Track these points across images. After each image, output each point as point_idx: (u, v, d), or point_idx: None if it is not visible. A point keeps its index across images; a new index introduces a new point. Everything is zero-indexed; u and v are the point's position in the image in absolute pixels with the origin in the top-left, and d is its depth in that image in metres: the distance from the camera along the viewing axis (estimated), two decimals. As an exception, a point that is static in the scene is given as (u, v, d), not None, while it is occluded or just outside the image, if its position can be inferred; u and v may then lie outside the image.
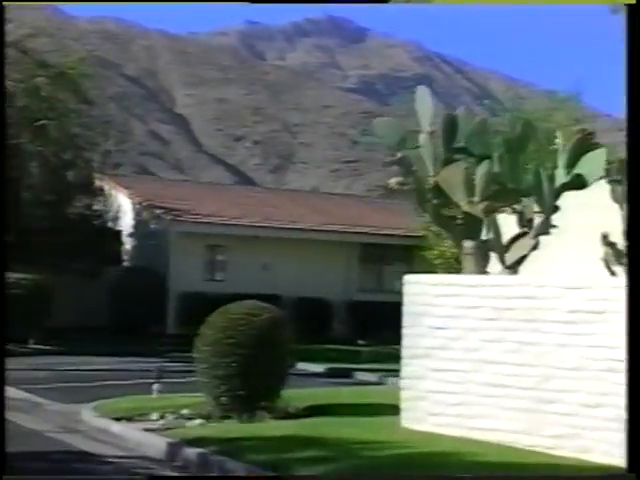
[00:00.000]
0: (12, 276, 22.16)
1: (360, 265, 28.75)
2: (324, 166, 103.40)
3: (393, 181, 10.53)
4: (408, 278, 10.64)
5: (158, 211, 26.44)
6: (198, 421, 10.93)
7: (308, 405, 11.90)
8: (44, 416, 12.30)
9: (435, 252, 25.18)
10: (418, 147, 10.60)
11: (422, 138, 10.59)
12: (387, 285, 29.27)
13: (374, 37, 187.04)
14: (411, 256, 29.00)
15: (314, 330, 27.08)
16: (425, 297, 10.24)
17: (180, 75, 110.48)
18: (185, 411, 11.57)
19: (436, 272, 25.56)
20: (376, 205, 35.23)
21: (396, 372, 19.20)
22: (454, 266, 24.99)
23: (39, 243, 23.49)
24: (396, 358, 22.12)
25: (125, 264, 27.15)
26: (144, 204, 27.22)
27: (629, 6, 7.21)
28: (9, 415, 12.52)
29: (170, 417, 11.15)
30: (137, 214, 27.48)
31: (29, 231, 21.83)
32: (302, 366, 19.25)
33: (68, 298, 23.97)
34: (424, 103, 10.76)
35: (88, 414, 11.80)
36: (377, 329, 28.02)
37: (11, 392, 14.48)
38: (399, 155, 10.64)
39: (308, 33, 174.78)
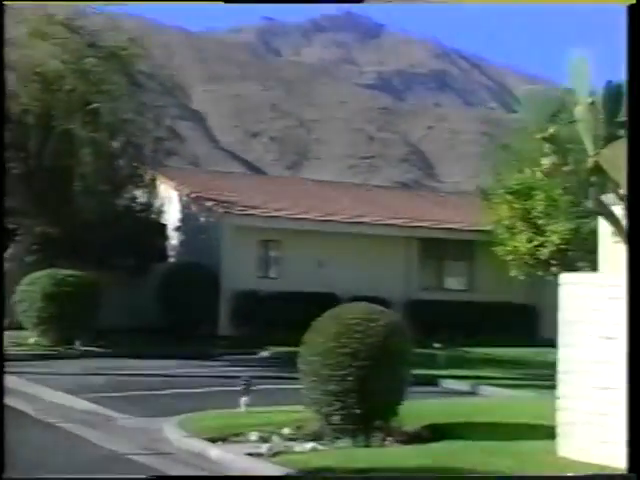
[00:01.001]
0: (60, 272, 20.72)
1: (420, 262, 27.03)
2: (340, 162, 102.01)
3: (547, 161, 8.84)
4: (567, 278, 8.94)
5: (208, 203, 24.83)
6: (309, 445, 9.31)
7: (427, 424, 10.26)
8: (121, 433, 10.71)
9: (508, 248, 23.43)
10: (574, 122, 8.90)
11: (579, 111, 8.89)
12: (448, 283, 27.60)
13: (390, 33, 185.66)
14: (475, 252, 27.33)
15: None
16: (589, 301, 8.56)
17: (197, 72, 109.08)
18: (287, 430, 9.97)
19: (509, 269, 23.98)
20: (430, 198, 33.51)
21: (486, 379, 17.88)
22: (529, 263, 23.31)
23: (86, 237, 21.96)
24: (471, 362, 20.82)
25: (173, 260, 25.57)
26: (192, 196, 25.62)
27: (629, 6, 7.14)
28: (82, 431, 11.15)
29: (274, 439, 9.54)
30: (185, 207, 25.89)
31: (77, 224, 20.29)
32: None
33: (113, 296, 22.38)
34: (581, 68, 9.05)
35: (173, 432, 10.21)
36: (440, 331, 26.34)
37: (76, 402, 13.03)
38: (550, 131, 8.94)
39: (324, 29, 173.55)
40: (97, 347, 20.76)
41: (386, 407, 9.69)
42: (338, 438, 9.55)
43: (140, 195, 23.44)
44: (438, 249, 27.36)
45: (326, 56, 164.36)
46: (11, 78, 18.43)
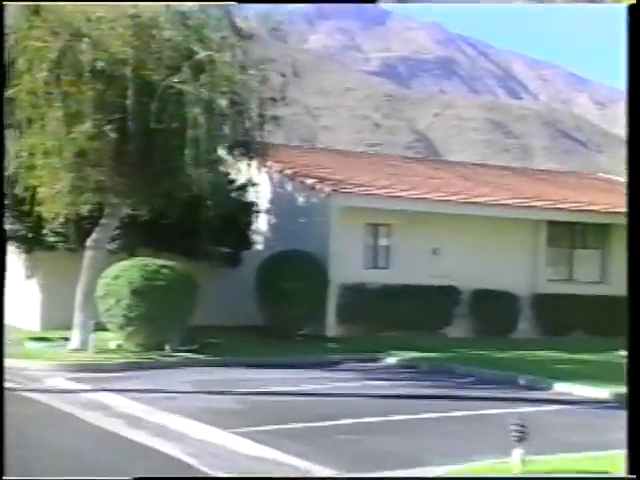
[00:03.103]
0: (152, 263, 17.17)
1: (548, 250, 23.28)
2: (346, 149, 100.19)
3: None
4: None
5: (309, 181, 21.16)
6: None
7: None
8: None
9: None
10: None
11: None
12: (578, 274, 23.85)
13: (395, 20, 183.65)
14: (610, 238, 23.62)
15: (497, 330, 21.87)
16: None
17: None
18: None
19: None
20: (540, 176, 29.68)
21: None
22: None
23: (176, 220, 18.41)
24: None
25: (267, 247, 21.91)
26: (287, 172, 21.95)
27: (629, 6, 7.07)
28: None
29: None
30: (276, 185, 22.25)
31: (173, 203, 16.71)
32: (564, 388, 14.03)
33: (204, 290, 18.75)
34: None
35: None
36: (573, 329, 22.72)
37: (235, 442, 9.41)
38: None
39: (329, 16, 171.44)
40: (190, 352, 17.24)
41: None
42: None
43: (235, 171, 19.76)
44: (568, 234, 23.64)
45: (331, 43, 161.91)
46: (96, 25, 14.90)
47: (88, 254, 16.68)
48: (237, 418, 11.03)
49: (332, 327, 20.43)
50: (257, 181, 20.61)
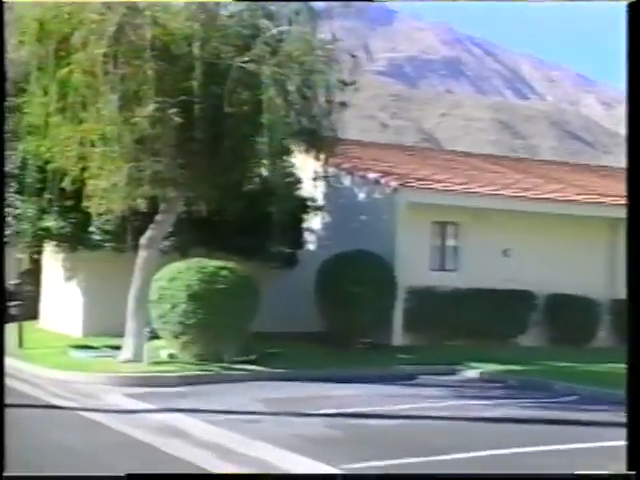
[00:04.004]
0: (209, 264, 15.51)
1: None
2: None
3: None
4: None
5: (372, 175, 19.46)
6: None
7: None
8: None
9: None
10: None
11: None
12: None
13: (402, 20, 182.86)
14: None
15: (575, 339, 20.13)
16: None
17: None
18: None
19: None
20: (604, 172, 27.88)
21: None
22: None
23: (231, 216, 16.79)
24: None
25: (324, 247, 20.20)
26: (345, 166, 20.23)
27: (629, 6, 7.11)
28: None
29: None
30: (335, 179, 20.49)
31: (235, 196, 15.07)
32: None
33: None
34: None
35: None
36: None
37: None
38: None
39: (334, 15, 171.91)
40: (248, 362, 15.58)
41: None
42: None
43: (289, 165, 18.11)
44: (647, 234, 21.87)
45: (338, 42, 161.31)
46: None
47: (141, 254, 15.02)
48: (339, 448, 9.37)
49: (398, 335, 18.72)
50: (321, 175, 18.84)
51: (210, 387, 13.85)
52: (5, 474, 6.78)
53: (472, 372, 16.17)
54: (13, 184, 17.59)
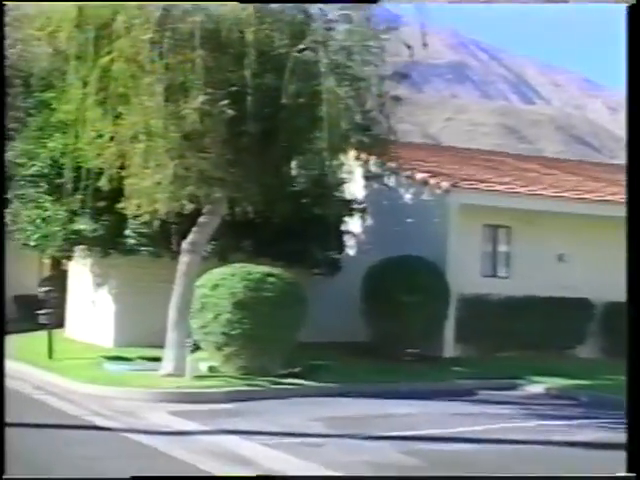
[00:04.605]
0: (255, 270, 14.40)
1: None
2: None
3: None
4: None
5: (420, 175, 18.33)
6: None
7: None
8: None
9: None
10: None
11: None
12: None
13: (406, 24, 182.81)
14: None
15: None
16: None
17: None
18: None
19: None
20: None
21: None
22: None
23: (274, 218, 15.68)
24: None
25: (365, 252, 19.07)
26: (391, 166, 19.04)
27: (629, 6, 7.08)
28: None
29: None
30: (379, 180, 19.34)
31: (279, 198, 13.96)
32: None
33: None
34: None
35: None
36: None
37: None
38: None
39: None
40: (293, 376, 14.46)
41: None
42: None
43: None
44: None
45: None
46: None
47: (184, 259, 13.90)
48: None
49: (450, 346, 17.57)
50: (371, 175, 17.64)
51: (258, 404, 12.74)
52: (5, 477, 6.68)
53: (536, 387, 15.02)
54: (42, 184, 16.58)
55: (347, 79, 12.20)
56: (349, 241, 19.30)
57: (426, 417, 12.13)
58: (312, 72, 11.79)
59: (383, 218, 19.20)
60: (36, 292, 21.86)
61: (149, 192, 12.23)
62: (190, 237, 13.85)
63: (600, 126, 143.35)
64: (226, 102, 11.34)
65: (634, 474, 6.36)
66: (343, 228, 18.73)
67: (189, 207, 12.88)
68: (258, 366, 14.27)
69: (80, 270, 18.99)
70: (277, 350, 14.45)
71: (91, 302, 18.46)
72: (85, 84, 11.97)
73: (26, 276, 23.47)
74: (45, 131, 16.75)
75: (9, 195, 17.91)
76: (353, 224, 19.31)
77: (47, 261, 23.00)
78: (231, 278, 14.15)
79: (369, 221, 19.52)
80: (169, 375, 13.58)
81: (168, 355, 13.78)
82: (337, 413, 12.20)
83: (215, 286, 14.12)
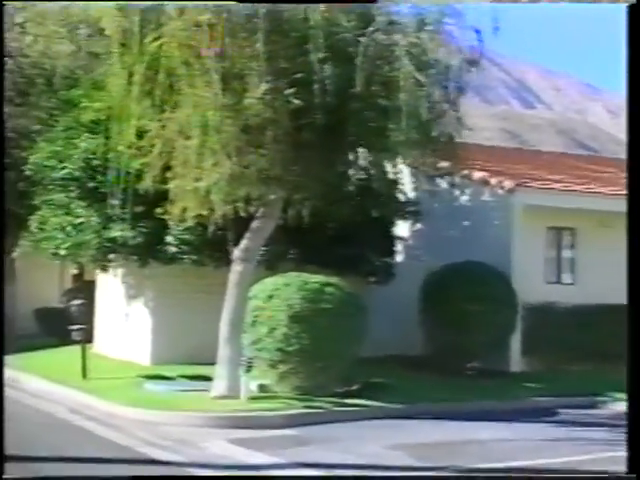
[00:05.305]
0: (311, 280, 13.06)
1: None
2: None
3: None
4: None
5: (478, 175, 17.01)
6: None
7: None
8: None
9: None
10: None
11: None
12: None
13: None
14: None
15: None
16: None
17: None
18: None
19: None
20: None
21: None
22: None
23: (331, 222, 14.38)
24: None
25: (417, 258, 17.73)
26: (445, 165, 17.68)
27: (629, 6, 7.17)
28: None
29: None
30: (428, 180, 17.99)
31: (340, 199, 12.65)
32: None
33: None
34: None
35: None
36: None
37: None
38: None
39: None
40: (350, 395, 13.12)
41: None
42: None
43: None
44: None
45: None
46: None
47: (236, 268, 12.53)
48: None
49: (516, 359, 16.20)
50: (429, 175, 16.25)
51: (325, 428, 11.41)
52: (5, 477, 6.70)
53: (621, 405, 13.66)
54: (73, 188, 15.29)
55: (425, 64, 10.86)
56: (399, 246, 17.97)
57: (524, 444, 10.72)
58: (385, 56, 10.47)
59: (436, 221, 17.84)
60: (58, 305, 20.72)
61: (201, 194, 10.92)
62: (243, 243, 12.49)
63: (601, 129, 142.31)
64: (292, 91, 10.05)
65: (634, 475, 6.33)
66: (395, 232, 17.41)
67: (243, 210, 11.57)
68: (315, 385, 12.93)
69: (110, 281, 17.68)
70: (337, 367, 13.09)
71: (124, 315, 17.14)
72: (130, 74, 10.66)
73: (47, 288, 22.30)
74: (75, 130, 15.49)
75: (36, 201, 16.71)
76: (403, 228, 18.00)
77: (70, 272, 21.78)
78: (286, 288, 12.81)
79: (421, 224, 18.16)
80: (222, 397, 12.24)
81: (220, 374, 12.40)
82: (418, 439, 10.87)
83: (269, 297, 12.79)
